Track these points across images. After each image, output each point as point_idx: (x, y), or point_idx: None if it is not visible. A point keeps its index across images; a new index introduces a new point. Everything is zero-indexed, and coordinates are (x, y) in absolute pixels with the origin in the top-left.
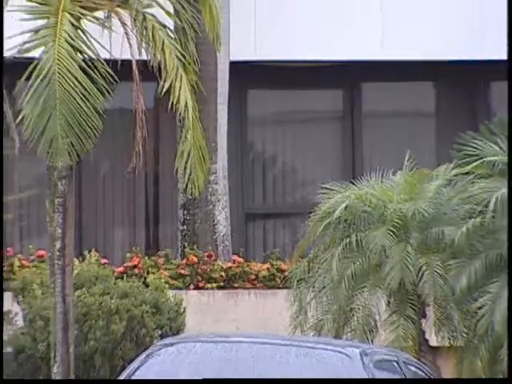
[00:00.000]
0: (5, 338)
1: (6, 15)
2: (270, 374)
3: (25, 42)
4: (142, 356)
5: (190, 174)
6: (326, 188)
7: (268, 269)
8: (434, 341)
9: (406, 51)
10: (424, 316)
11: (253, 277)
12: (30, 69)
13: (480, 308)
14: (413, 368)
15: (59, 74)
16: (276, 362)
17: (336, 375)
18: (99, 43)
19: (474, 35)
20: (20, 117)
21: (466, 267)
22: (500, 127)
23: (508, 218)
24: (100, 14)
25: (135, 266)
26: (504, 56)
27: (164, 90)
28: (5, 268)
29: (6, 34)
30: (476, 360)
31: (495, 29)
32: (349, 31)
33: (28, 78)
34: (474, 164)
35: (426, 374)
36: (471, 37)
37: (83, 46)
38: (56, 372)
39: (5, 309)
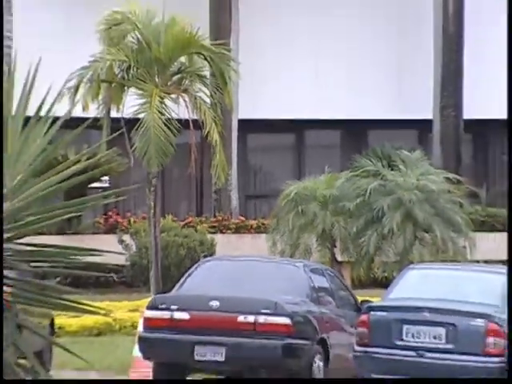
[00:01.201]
0: (125, 258)
1: (129, 98)
2: (258, 274)
3: (136, 110)
4: (194, 267)
5: (218, 176)
6: (287, 183)
7: (257, 223)
8: (339, 258)
9: (328, 113)
10: (335, 246)
11: (249, 227)
12: (139, 123)
13: (362, 242)
14: (329, 272)
15: (153, 126)
16: (261, 269)
17: (290, 276)
18: (172, 110)
19: (361, 103)
20: (134, 147)
21: (356, 222)
22: (372, 154)
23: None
24: (173, 96)
25: (190, 222)
26: (378, 116)
27: (205, 133)
28: (124, 223)
29: (128, 104)
30: (360, 268)
31: (375, 98)
32: (295, 101)
33: (137, 128)
34: (360, 171)
35: (334, 275)
36: (359, 103)
37: (164, 111)
38: (151, 275)
39: (126, 242)
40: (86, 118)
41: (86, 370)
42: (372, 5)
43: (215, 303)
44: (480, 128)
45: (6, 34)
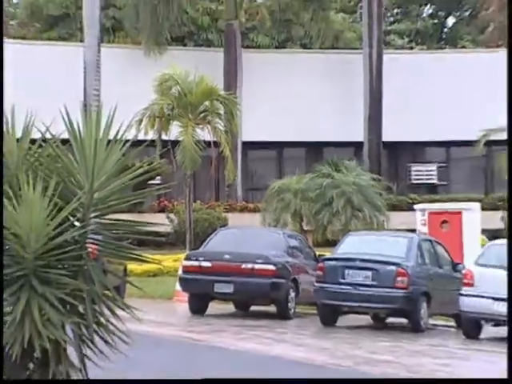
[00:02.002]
0: (171, 228)
1: (173, 127)
2: (254, 238)
3: (177, 135)
4: (214, 233)
5: (229, 176)
6: (272, 180)
7: (254, 206)
8: (305, 228)
9: (298, 137)
10: (302, 220)
11: (249, 209)
12: (179, 143)
13: (319, 218)
14: (299, 237)
15: (188, 145)
16: (256, 235)
17: (275, 239)
18: (200, 135)
19: (319, 131)
20: (176, 158)
21: (315, 205)
22: (326, 163)
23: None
24: (201, 126)
25: (211, 205)
26: (330, 139)
27: (221, 150)
28: (170, 206)
29: (173, 131)
30: (318, 234)
31: (327, 128)
32: (278, 130)
33: (178, 146)
34: (318, 173)
35: (302, 238)
36: (318, 131)
37: (195, 136)
38: (187, 238)
39: (171, 218)
40: (146, 140)
41: (146, 298)
42: (331, 72)
43: (227, 256)
44: (392, 147)
45: (95, 86)
